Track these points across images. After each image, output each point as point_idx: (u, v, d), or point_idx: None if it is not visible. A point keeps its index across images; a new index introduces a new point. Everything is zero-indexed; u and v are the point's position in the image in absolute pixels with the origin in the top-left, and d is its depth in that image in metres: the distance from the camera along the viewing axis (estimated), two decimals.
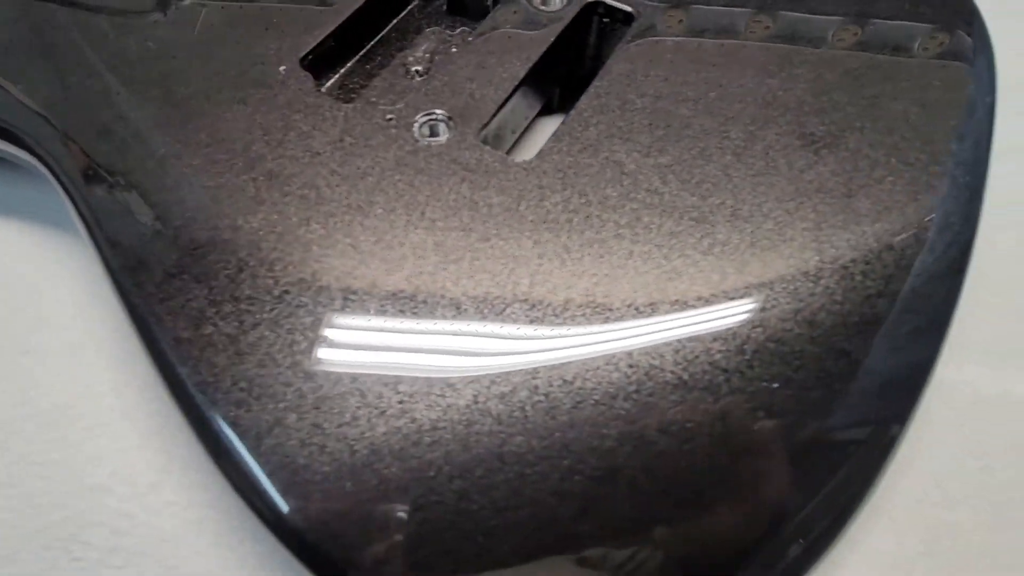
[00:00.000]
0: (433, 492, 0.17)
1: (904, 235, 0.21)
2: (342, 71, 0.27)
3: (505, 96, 0.24)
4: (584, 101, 0.24)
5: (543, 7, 0.27)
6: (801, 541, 0.17)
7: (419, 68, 0.27)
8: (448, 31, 0.28)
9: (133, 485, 0.22)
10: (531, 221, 0.21)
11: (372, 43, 0.28)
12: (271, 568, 0.21)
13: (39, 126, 0.24)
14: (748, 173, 0.22)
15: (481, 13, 0.27)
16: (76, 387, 0.24)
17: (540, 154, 0.23)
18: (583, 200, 0.22)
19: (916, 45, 0.26)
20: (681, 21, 0.26)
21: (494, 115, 0.24)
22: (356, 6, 0.26)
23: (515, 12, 0.26)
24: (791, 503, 0.18)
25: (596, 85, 0.24)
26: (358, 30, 0.27)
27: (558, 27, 0.26)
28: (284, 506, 0.17)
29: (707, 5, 0.27)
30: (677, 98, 0.24)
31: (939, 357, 0.20)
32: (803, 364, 0.19)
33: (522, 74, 0.25)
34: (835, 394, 0.19)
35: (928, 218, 0.21)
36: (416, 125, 0.23)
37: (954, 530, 0.22)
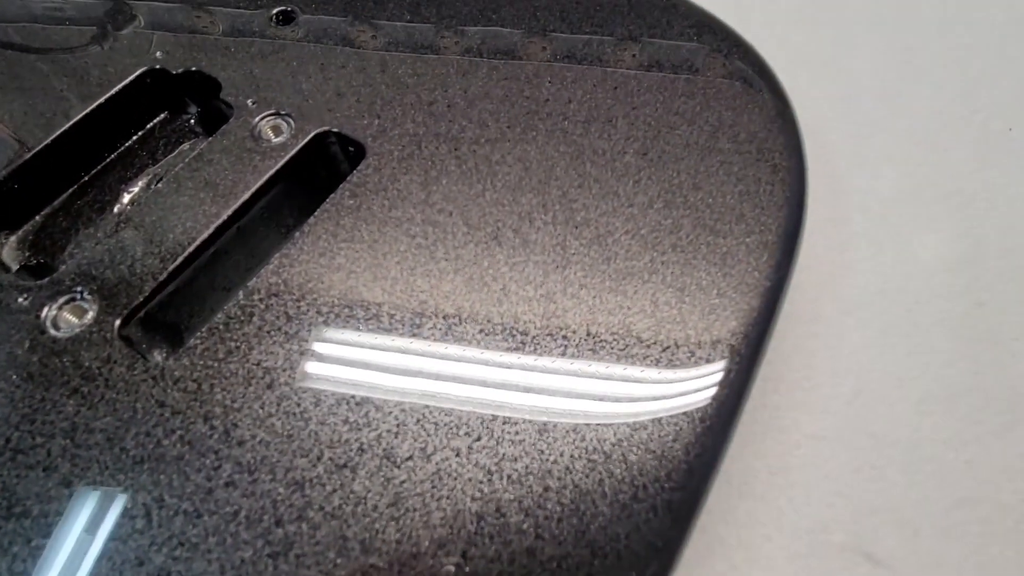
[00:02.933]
0: None
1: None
2: (40, 217, 0.23)
3: (172, 266, 0.20)
4: (259, 279, 0.19)
5: (273, 138, 0.22)
6: None
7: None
8: (188, 154, 0.24)
9: None
10: (132, 458, 0.17)
11: (96, 170, 0.24)
12: None
13: None
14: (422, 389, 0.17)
15: None
16: None
17: (179, 355, 0.18)
18: (207, 427, 0.17)
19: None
20: (414, 155, 0.21)
21: (151, 296, 0.19)
22: (53, 135, 0.22)
23: (229, 146, 0.22)
24: None
25: (284, 252, 0.20)
26: (67, 160, 0.23)
27: (271, 166, 0.21)
28: None
29: (454, 139, 0.22)
30: (375, 275, 0.19)
31: None
32: None
33: (203, 236, 0.20)
34: None
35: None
36: (50, 311, 0.19)
37: None
